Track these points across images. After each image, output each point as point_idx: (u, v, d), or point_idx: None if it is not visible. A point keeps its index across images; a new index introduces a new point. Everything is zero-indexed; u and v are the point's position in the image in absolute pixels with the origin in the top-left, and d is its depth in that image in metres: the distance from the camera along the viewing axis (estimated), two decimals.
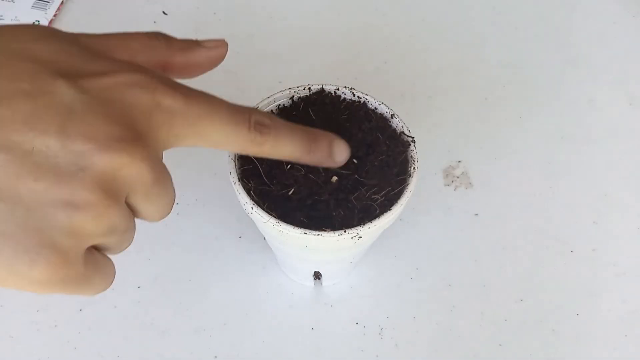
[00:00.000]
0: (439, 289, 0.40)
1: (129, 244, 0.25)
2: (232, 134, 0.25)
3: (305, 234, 0.29)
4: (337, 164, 0.30)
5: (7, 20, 0.52)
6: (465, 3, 0.56)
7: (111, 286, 0.25)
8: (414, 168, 0.32)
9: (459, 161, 0.45)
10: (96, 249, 0.24)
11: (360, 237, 0.30)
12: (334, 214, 0.30)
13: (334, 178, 0.31)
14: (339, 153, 0.30)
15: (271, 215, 0.30)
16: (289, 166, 0.31)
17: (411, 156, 0.32)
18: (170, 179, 0.25)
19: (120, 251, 0.25)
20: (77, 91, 0.21)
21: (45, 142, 0.20)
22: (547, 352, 0.37)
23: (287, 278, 0.40)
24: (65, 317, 0.38)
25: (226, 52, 0.29)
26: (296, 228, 0.29)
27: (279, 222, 0.29)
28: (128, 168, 0.22)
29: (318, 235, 0.29)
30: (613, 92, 0.50)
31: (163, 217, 0.26)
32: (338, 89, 0.35)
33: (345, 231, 0.29)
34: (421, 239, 0.42)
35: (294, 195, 0.31)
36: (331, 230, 0.29)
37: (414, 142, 0.33)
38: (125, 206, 0.23)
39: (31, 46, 0.22)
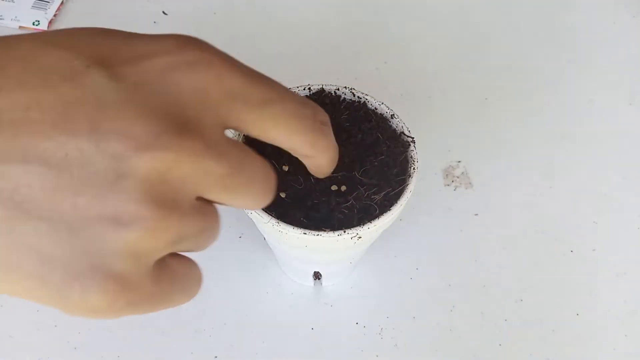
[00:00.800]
0: (439, 289, 0.40)
1: (213, 241, 0.21)
2: (296, 130, 0.22)
3: (305, 234, 0.29)
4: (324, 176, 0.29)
5: (7, 21, 0.52)
6: (465, 3, 0.56)
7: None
8: (413, 168, 0.32)
9: (459, 161, 0.45)
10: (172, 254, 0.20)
11: (359, 237, 0.30)
12: (334, 214, 0.30)
13: (338, 187, 0.31)
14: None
15: (271, 215, 0.30)
16: (287, 168, 0.31)
17: (411, 156, 0.32)
18: (256, 158, 0.21)
19: (204, 249, 0.21)
20: (111, 79, 0.18)
21: (78, 145, 0.17)
22: (547, 352, 0.37)
23: (287, 278, 0.40)
24: (65, 317, 0.38)
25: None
26: (296, 228, 0.29)
27: (279, 222, 0.29)
28: (180, 166, 0.18)
29: (317, 235, 0.29)
30: (613, 92, 0.50)
31: (266, 203, 0.22)
32: (338, 89, 0.35)
33: (344, 231, 0.29)
34: (421, 239, 0.42)
35: (293, 195, 0.31)
36: (331, 230, 0.29)
37: (414, 142, 0.33)
38: (191, 209, 0.19)
39: (61, 38, 0.19)
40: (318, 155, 0.24)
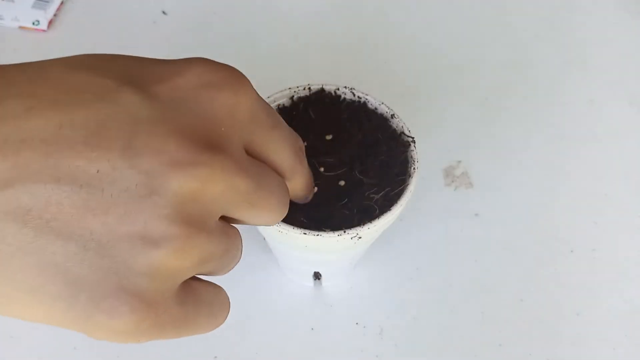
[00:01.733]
0: (439, 289, 0.40)
1: (237, 262, 0.22)
2: (289, 153, 0.23)
3: (305, 234, 0.29)
4: (304, 202, 0.30)
5: (7, 20, 0.52)
6: (465, 3, 0.56)
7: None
8: (414, 168, 0.32)
9: (459, 161, 0.45)
10: (197, 277, 0.21)
11: (359, 238, 0.30)
12: (334, 214, 0.30)
13: (339, 185, 0.31)
14: (311, 196, 0.30)
15: None
16: None
17: (411, 156, 0.32)
18: (274, 173, 0.22)
19: (226, 273, 0.22)
20: (143, 98, 0.18)
21: (111, 161, 0.17)
22: (547, 352, 0.37)
23: (287, 278, 0.40)
24: None
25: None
26: (296, 228, 0.29)
27: (279, 222, 0.29)
28: (213, 182, 0.18)
29: (317, 235, 0.29)
30: (613, 92, 0.50)
31: (282, 217, 0.23)
32: (338, 89, 0.35)
33: (344, 231, 0.29)
34: (421, 239, 0.42)
35: None
36: (331, 230, 0.29)
37: (414, 142, 0.33)
38: (216, 229, 0.20)
39: (93, 61, 0.19)
40: (294, 178, 0.25)
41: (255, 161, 0.21)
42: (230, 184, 0.19)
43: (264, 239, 0.37)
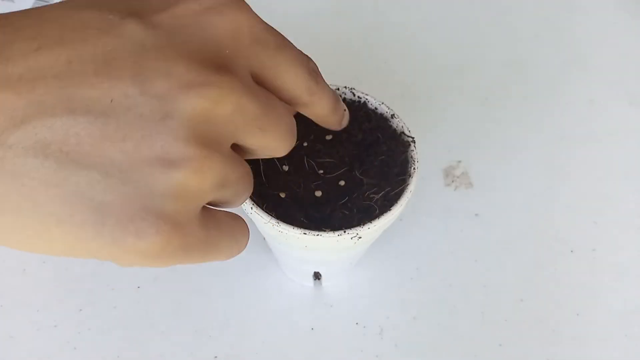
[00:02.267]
0: (439, 289, 0.40)
1: (248, 195, 0.23)
2: (300, 74, 0.24)
3: (305, 234, 0.29)
4: (340, 128, 0.30)
5: None
6: (465, 3, 0.56)
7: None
8: (414, 168, 0.32)
9: (459, 161, 0.45)
10: (215, 206, 0.21)
11: (359, 238, 0.30)
12: (334, 214, 0.30)
13: (339, 185, 0.31)
14: (346, 119, 0.30)
15: (271, 215, 0.30)
16: (287, 168, 0.31)
17: (411, 156, 0.32)
18: (280, 102, 0.22)
19: (240, 204, 0.23)
20: (147, 27, 0.19)
21: (123, 90, 0.18)
22: (547, 352, 0.37)
23: (287, 278, 0.40)
24: (65, 317, 0.38)
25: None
26: (296, 228, 0.29)
27: (279, 222, 0.29)
28: (224, 102, 0.19)
29: (317, 235, 0.29)
30: (613, 92, 0.50)
31: (292, 145, 0.23)
32: (338, 89, 0.35)
33: (344, 231, 0.29)
34: (421, 239, 0.42)
35: (293, 196, 0.31)
36: (331, 230, 0.29)
37: (414, 142, 0.33)
38: (230, 152, 0.20)
39: (89, 0, 0.20)
40: (315, 101, 0.25)
41: (262, 88, 0.22)
42: (239, 105, 0.20)
43: (264, 239, 0.37)
